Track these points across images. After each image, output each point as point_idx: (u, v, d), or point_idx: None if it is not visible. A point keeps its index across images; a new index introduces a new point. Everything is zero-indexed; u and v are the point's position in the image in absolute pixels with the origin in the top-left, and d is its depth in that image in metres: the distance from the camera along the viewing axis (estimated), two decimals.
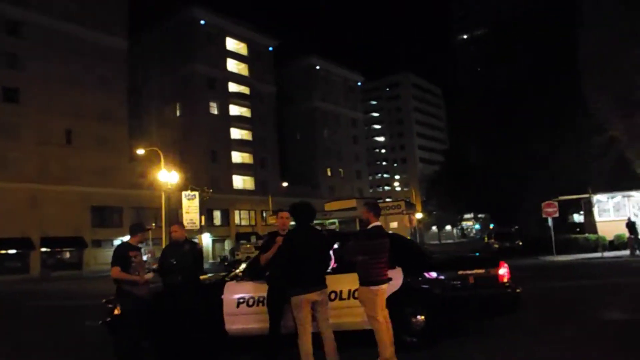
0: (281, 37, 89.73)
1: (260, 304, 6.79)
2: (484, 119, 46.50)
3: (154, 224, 40.63)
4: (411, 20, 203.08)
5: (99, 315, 7.70)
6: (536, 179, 36.30)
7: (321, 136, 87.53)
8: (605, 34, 34.38)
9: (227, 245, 65.56)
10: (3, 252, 46.35)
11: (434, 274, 7.03)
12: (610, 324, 8.19)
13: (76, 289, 25.26)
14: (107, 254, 46.15)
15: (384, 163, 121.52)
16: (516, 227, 41.52)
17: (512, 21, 45.74)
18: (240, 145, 72.94)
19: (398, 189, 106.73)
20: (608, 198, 28.11)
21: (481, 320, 7.77)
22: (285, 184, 71.01)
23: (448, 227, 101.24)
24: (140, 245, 7.21)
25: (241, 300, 7.01)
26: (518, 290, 7.03)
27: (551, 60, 40.50)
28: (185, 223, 26.34)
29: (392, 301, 6.23)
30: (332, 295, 6.55)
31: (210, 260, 58.05)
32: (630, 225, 23.70)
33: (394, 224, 28.85)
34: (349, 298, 6.69)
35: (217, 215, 66.94)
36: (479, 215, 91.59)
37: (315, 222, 6.48)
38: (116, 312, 7.11)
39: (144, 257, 7.00)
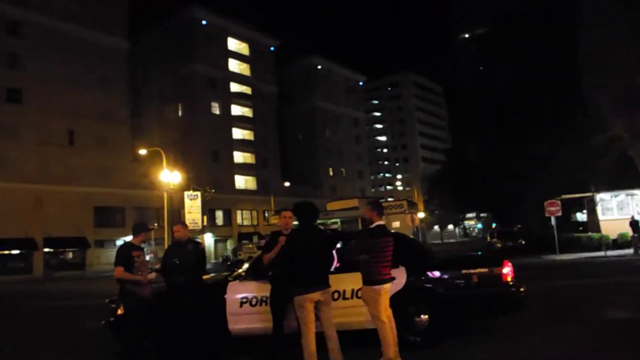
0: (282, 36, 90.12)
1: (264, 304, 6.79)
2: (484, 119, 46.38)
3: (156, 224, 40.66)
4: (412, 20, 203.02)
5: (101, 315, 7.70)
6: (537, 178, 36.20)
7: (323, 136, 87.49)
8: (606, 33, 34.32)
9: (229, 245, 65.62)
10: (6, 252, 46.42)
11: (437, 273, 7.01)
12: (614, 322, 8.16)
13: (79, 289, 25.26)
14: (110, 254, 46.42)
15: (386, 162, 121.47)
16: (519, 226, 41.44)
17: (512, 21, 45.57)
18: (242, 145, 72.97)
19: (400, 188, 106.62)
20: (611, 196, 28.02)
21: (485, 319, 7.74)
22: (287, 184, 71.03)
23: (450, 227, 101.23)
24: (143, 245, 7.20)
25: (244, 300, 7.01)
26: (522, 289, 7.02)
27: (551, 59, 40.37)
28: (187, 223, 26.36)
29: (396, 300, 6.21)
30: (336, 295, 6.53)
31: (213, 260, 58.07)
32: (634, 223, 23.64)
33: (396, 224, 28.76)
34: (352, 297, 6.67)
35: (219, 215, 66.98)
36: (481, 215, 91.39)
37: (317, 221, 6.46)
38: (119, 312, 7.11)
39: (147, 257, 6.98)
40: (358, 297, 6.38)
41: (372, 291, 5.74)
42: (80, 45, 52.28)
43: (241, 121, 73.41)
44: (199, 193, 35.49)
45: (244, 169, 72.67)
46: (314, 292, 5.62)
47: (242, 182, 72.63)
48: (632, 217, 24.27)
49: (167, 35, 68.68)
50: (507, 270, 6.98)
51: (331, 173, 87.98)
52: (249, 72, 75.84)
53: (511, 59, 42.70)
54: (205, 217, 42.12)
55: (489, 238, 38.53)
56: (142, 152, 38.14)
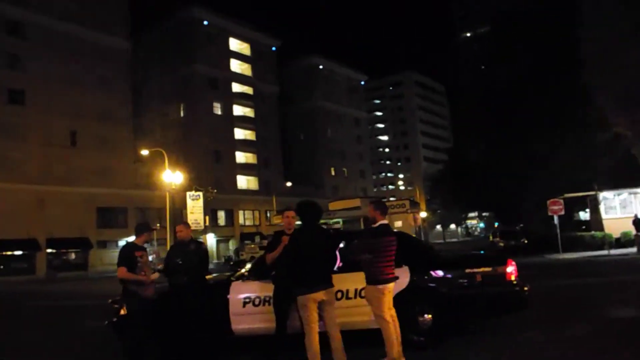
0: (283, 36, 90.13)
1: (267, 304, 6.77)
2: (485, 118, 46.26)
3: (158, 225, 40.70)
4: (413, 19, 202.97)
5: (103, 316, 7.70)
6: (539, 177, 36.13)
7: (324, 136, 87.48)
8: (606, 32, 34.31)
9: (232, 245, 65.65)
10: (9, 253, 46.53)
11: (441, 273, 6.99)
12: (617, 321, 8.14)
13: (81, 290, 25.29)
14: (113, 254, 46.45)
15: (387, 162, 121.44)
16: (521, 225, 41.37)
17: (512, 20, 45.51)
18: (244, 145, 73.00)
19: (402, 188, 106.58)
20: (614, 195, 27.99)
21: (488, 318, 7.72)
22: (289, 184, 71.04)
23: (452, 226, 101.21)
24: (145, 245, 7.19)
25: (247, 300, 6.99)
26: (526, 289, 6.99)
27: (552, 58, 40.29)
28: (189, 223, 26.38)
29: (399, 300, 6.18)
30: (339, 295, 6.51)
31: (215, 261, 58.09)
32: (637, 222, 23.57)
33: (398, 223, 28.76)
34: (355, 297, 6.65)
35: (221, 215, 67.01)
36: (484, 214, 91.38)
37: (320, 221, 6.45)
38: (122, 312, 7.09)
39: (150, 258, 6.97)
40: (361, 297, 6.36)
41: (376, 290, 5.72)
42: (81, 46, 52.36)
43: (243, 121, 73.44)
44: (201, 193, 35.53)
45: (245, 169, 72.71)
46: (317, 292, 5.60)
47: (244, 182, 72.66)
48: (636, 216, 24.20)
49: (168, 35, 68.71)
50: (511, 269, 6.95)
51: (333, 173, 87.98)
52: (250, 72, 75.89)
53: (512, 59, 42.61)
54: (207, 218, 42.13)
55: (491, 237, 38.51)
56: (144, 152, 38.16)
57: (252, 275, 7.15)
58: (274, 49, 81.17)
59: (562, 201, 25.70)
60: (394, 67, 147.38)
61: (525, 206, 39.25)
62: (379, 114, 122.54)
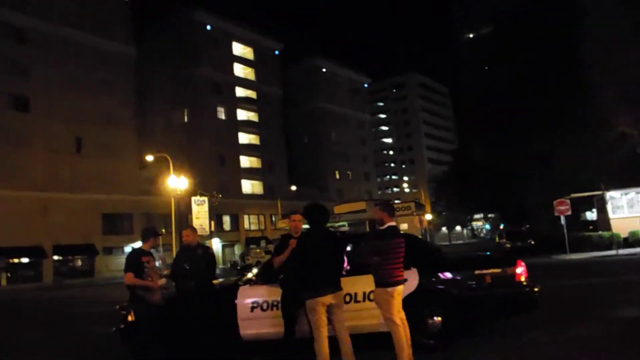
0: (285, 39, 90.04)
1: (275, 308, 6.73)
2: (489, 118, 46.26)
3: (163, 230, 40.63)
4: (414, 20, 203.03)
5: (111, 322, 7.67)
6: (544, 177, 36.03)
7: (328, 138, 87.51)
8: (608, 31, 34.25)
9: (237, 250, 65.62)
10: (16, 260, 46.64)
11: (450, 275, 6.94)
12: (622, 321, 8.09)
13: (89, 296, 25.28)
14: (119, 260, 46.49)
15: (392, 164, 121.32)
16: (527, 226, 41.22)
17: (513, 20, 45.48)
18: (248, 149, 73.06)
19: (407, 190, 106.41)
20: (622, 194, 27.80)
21: (498, 319, 7.66)
22: (293, 188, 71.00)
23: (458, 228, 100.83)
24: (152, 250, 7.16)
25: (255, 305, 6.95)
26: (536, 289, 6.95)
27: (554, 57, 40.21)
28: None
29: (408, 303, 6.12)
30: (347, 298, 6.46)
31: (221, 266, 58.05)
32: None
33: (404, 226, 28.79)
34: (364, 300, 6.61)
35: (226, 220, 67.02)
36: (489, 215, 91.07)
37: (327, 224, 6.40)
38: (130, 318, 7.06)
39: (156, 263, 6.95)
40: (370, 300, 6.32)
41: (385, 293, 5.66)
42: (84, 51, 52.53)
43: (247, 125, 73.55)
44: (206, 198, 35.54)
45: (250, 173, 72.75)
46: (326, 295, 5.55)
47: (248, 186, 72.70)
48: None
49: (171, 40, 68.90)
50: (520, 270, 6.91)
51: (337, 176, 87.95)
52: (253, 76, 76.05)
53: (513, 58, 42.57)
54: (212, 223, 42.17)
55: (497, 238, 38.35)
56: (149, 158, 38.18)
57: (260, 280, 7.11)
58: (277, 52, 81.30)
59: (568, 201, 25.55)
60: (396, 69, 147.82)
61: (530, 207, 39.11)
62: (383, 116, 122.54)
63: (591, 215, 36.50)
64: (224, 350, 6.98)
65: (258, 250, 46.99)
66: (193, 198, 35.00)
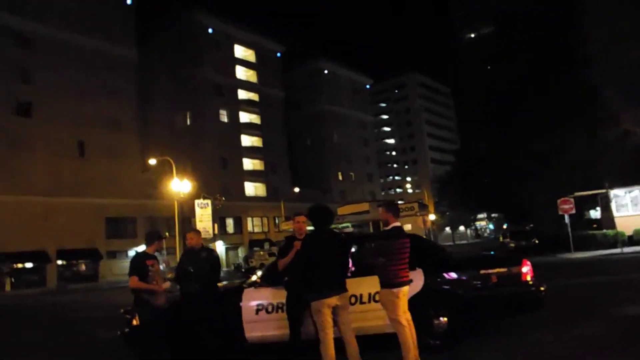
0: (287, 40, 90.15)
1: (280, 311, 6.70)
2: (490, 118, 46.21)
3: (167, 233, 40.71)
4: (415, 20, 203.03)
5: (114, 326, 7.66)
6: (547, 176, 35.97)
7: (331, 140, 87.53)
8: (610, 30, 34.26)
9: (241, 252, 65.62)
10: (20, 266, 46.67)
11: (455, 275, 6.91)
12: (626, 319, 8.05)
13: (93, 300, 25.29)
14: (122, 265, 46.56)
15: (394, 165, 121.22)
16: (531, 225, 41.15)
17: (514, 19, 45.43)
18: (251, 152, 73.10)
19: (410, 190, 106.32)
20: (625, 192, 27.73)
21: (503, 319, 7.64)
22: (296, 190, 70.99)
23: (461, 228, 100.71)
24: (156, 253, 7.14)
25: (260, 307, 6.93)
26: (542, 288, 6.93)
27: (555, 56, 40.16)
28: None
29: (414, 303, 6.08)
30: (352, 299, 6.44)
31: (225, 269, 58.10)
32: None
33: (407, 226, 28.62)
34: (369, 302, 6.58)
35: (229, 222, 67.01)
36: (492, 215, 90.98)
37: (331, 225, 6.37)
38: (134, 322, 7.04)
39: (160, 267, 6.93)
40: (375, 301, 6.29)
41: (390, 294, 5.64)
42: (87, 56, 52.60)
43: (249, 128, 73.61)
44: (209, 201, 35.56)
45: (253, 175, 72.76)
46: (331, 297, 5.53)
47: (251, 189, 72.70)
48: None
49: (174, 43, 69.05)
50: (526, 269, 6.89)
51: (340, 177, 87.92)
52: (255, 78, 76.11)
53: (515, 57, 42.53)
54: (215, 225, 42.16)
55: (501, 238, 38.32)
56: (152, 161, 38.23)
57: (265, 282, 7.08)
58: (278, 54, 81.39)
59: (572, 200, 25.47)
60: (397, 70, 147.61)
61: (534, 206, 39.04)
62: (385, 117, 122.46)
63: (595, 213, 36.45)
64: (228, 353, 6.96)
65: (262, 252, 46.97)
66: (196, 201, 35.03)
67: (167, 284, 7.03)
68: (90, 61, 52.66)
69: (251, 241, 66.05)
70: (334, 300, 5.55)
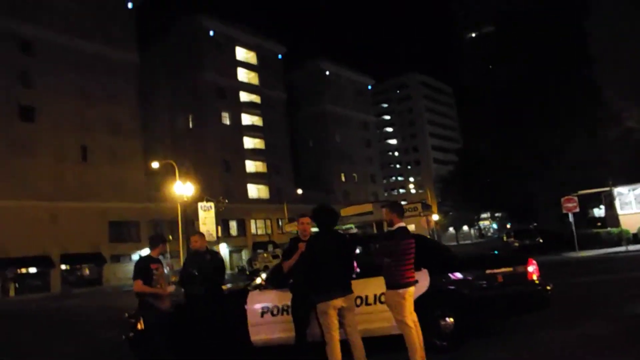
0: (288, 42, 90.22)
1: (285, 313, 6.67)
2: (493, 117, 46.20)
3: (170, 237, 40.67)
4: (416, 20, 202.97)
5: (120, 330, 7.64)
6: (550, 174, 35.93)
7: (333, 141, 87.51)
8: (612, 29, 34.23)
9: (245, 255, 65.58)
10: (24, 271, 46.72)
11: (461, 275, 6.88)
12: (634, 318, 8.00)
13: (97, 305, 25.30)
14: (126, 269, 46.58)
15: (397, 166, 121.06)
16: (535, 224, 41.07)
17: (516, 19, 45.44)
18: (254, 154, 73.11)
19: (413, 191, 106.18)
20: (629, 190, 27.59)
21: (509, 318, 7.60)
22: (299, 191, 71.00)
23: (465, 228, 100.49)
24: (160, 257, 7.12)
25: (265, 310, 6.90)
26: (548, 287, 6.90)
27: (558, 55, 40.11)
28: None
29: (420, 304, 6.05)
30: (358, 301, 6.41)
31: (229, 271, 58.06)
32: None
33: (411, 227, 28.51)
34: (375, 303, 6.55)
35: (233, 225, 67.01)
36: (496, 214, 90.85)
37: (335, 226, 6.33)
38: (139, 326, 7.02)
39: (165, 270, 6.92)
40: (381, 302, 6.26)
41: (396, 295, 5.60)
42: (89, 60, 52.73)
43: (251, 130, 73.62)
44: (212, 204, 35.53)
45: (256, 177, 72.77)
46: (337, 299, 5.49)
47: (254, 191, 72.70)
48: None
49: (175, 46, 69.23)
50: (532, 268, 6.87)
51: (343, 178, 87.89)
52: (257, 80, 76.15)
53: (516, 57, 42.54)
54: (219, 228, 42.16)
55: (505, 237, 38.22)
56: (155, 165, 38.24)
57: (270, 284, 7.05)
58: (280, 56, 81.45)
59: (576, 198, 25.37)
60: (399, 70, 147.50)
61: (537, 204, 39.00)
62: (387, 117, 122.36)
63: (599, 212, 36.35)
64: (234, 356, 6.94)
65: (265, 254, 46.95)
66: (199, 204, 35.01)
67: (171, 288, 7.01)
68: (92, 65, 52.80)
69: (255, 243, 66.03)
70: (339, 302, 5.51)
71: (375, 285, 6.32)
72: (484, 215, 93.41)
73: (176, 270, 23.75)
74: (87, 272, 51.99)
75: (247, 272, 40.29)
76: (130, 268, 7.10)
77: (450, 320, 6.64)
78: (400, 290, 5.58)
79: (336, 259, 5.63)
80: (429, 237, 29.29)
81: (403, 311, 5.58)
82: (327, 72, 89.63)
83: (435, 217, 57.18)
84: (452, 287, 6.81)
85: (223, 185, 62.19)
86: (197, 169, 57.13)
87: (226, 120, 70.12)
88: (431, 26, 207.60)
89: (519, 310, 7.04)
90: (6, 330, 16.35)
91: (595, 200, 33.56)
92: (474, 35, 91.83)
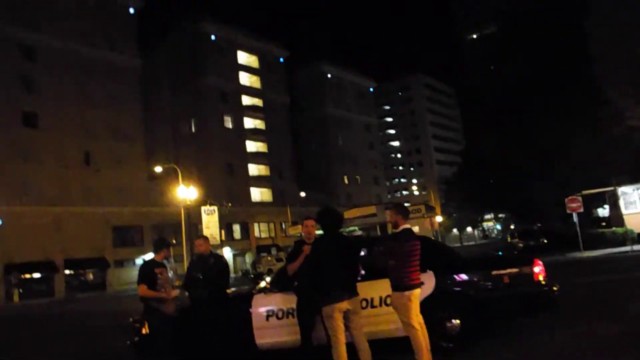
0: (289, 44, 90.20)
1: (290, 316, 6.64)
2: (495, 117, 46.15)
3: (174, 240, 40.70)
4: (419, 21, 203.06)
5: (125, 335, 7.62)
6: (554, 174, 35.85)
7: (336, 143, 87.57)
8: (614, 26, 34.18)
9: (248, 258, 65.53)
10: (28, 276, 46.74)
11: (467, 276, 6.85)
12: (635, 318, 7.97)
13: (102, 309, 25.32)
14: (130, 273, 46.63)
15: (400, 168, 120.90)
16: (539, 224, 40.96)
17: (518, 19, 45.44)
18: (256, 157, 73.17)
19: (416, 193, 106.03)
20: (633, 189, 27.50)
21: (515, 319, 7.57)
22: (303, 194, 70.97)
23: (469, 229, 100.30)
24: (164, 261, 7.11)
25: (270, 313, 6.87)
26: (554, 288, 6.87)
27: (561, 53, 40.06)
28: None
29: (426, 306, 6.02)
30: (363, 303, 6.37)
31: (232, 275, 57.95)
32: None
33: (415, 228, 28.49)
34: (380, 305, 6.52)
35: (236, 228, 66.98)
36: (500, 215, 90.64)
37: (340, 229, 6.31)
38: (144, 331, 7.00)
39: (169, 274, 6.91)
40: (387, 305, 6.23)
41: (402, 297, 5.57)
42: (91, 66, 52.97)
43: (254, 133, 73.71)
44: (215, 208, 35.55)
45: (259, 181, 72.82)
46: (342, 302, 5.46)
47: (257, 194, 72.74)
48: None
49: (177, 51, 69.45)
50: (538, 269, 6.84)
51: (346, 181, 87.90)
52: (259, 84, 76.27)
53: (519, 57, 42.52)
54: (222, 232, 42.14)
55: (509, 238, 38.13)
56: (158, 169, 38.28)
57: (274, 287, 7.03)
58: (281, 60, 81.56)
59: (580, 198, 25.29)
60: (401, 71, 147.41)
61: (541, 205, 38.88)
62: (389, 119, 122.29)
63: (603, 211, 36.24)
64: (238, 359, 6.91)
65: (269, 258, 46.99)
66: (203, 208, 35.03)
67: (176, 292, 6.99)
68: (94, 70, 53.01)
69: (258, 247, 65.99)
70: (345, 305, 5.47)
71: (380, 288, 6.29)
72: (487, 217, 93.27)
73: (180, 275, 23.75)
74: (91, 277, 52.03)
75: (251, 276, 40.28)
76: (134, 273, 7.08)
77: (456, 321, 6.60)
78: (406, 292, 5.55)
79: (341, 261, 5.59)
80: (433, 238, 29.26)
81: (409, 313, 5.54)
82: (329, 75, 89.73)
83: (438, 218, 57.14)
84: (458, 289, 6.78)
85: (226, 189, 62.21)
86: (200, 172, 57.20)
87: (229, 124, 70.22)
88: (432, 27, 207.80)
89: (525, 311, 7.01)
90: (11, 335, 16.34)
91: (600, 200, 33.45)
92: (474, 36, 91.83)
